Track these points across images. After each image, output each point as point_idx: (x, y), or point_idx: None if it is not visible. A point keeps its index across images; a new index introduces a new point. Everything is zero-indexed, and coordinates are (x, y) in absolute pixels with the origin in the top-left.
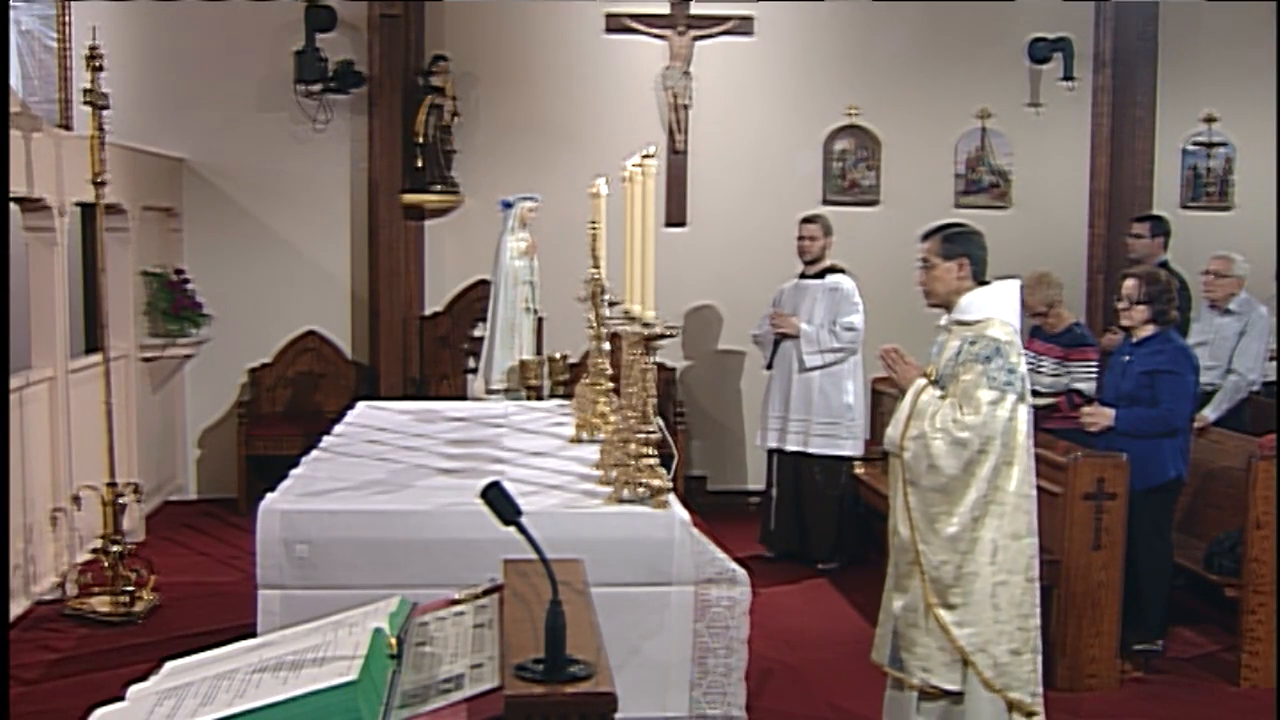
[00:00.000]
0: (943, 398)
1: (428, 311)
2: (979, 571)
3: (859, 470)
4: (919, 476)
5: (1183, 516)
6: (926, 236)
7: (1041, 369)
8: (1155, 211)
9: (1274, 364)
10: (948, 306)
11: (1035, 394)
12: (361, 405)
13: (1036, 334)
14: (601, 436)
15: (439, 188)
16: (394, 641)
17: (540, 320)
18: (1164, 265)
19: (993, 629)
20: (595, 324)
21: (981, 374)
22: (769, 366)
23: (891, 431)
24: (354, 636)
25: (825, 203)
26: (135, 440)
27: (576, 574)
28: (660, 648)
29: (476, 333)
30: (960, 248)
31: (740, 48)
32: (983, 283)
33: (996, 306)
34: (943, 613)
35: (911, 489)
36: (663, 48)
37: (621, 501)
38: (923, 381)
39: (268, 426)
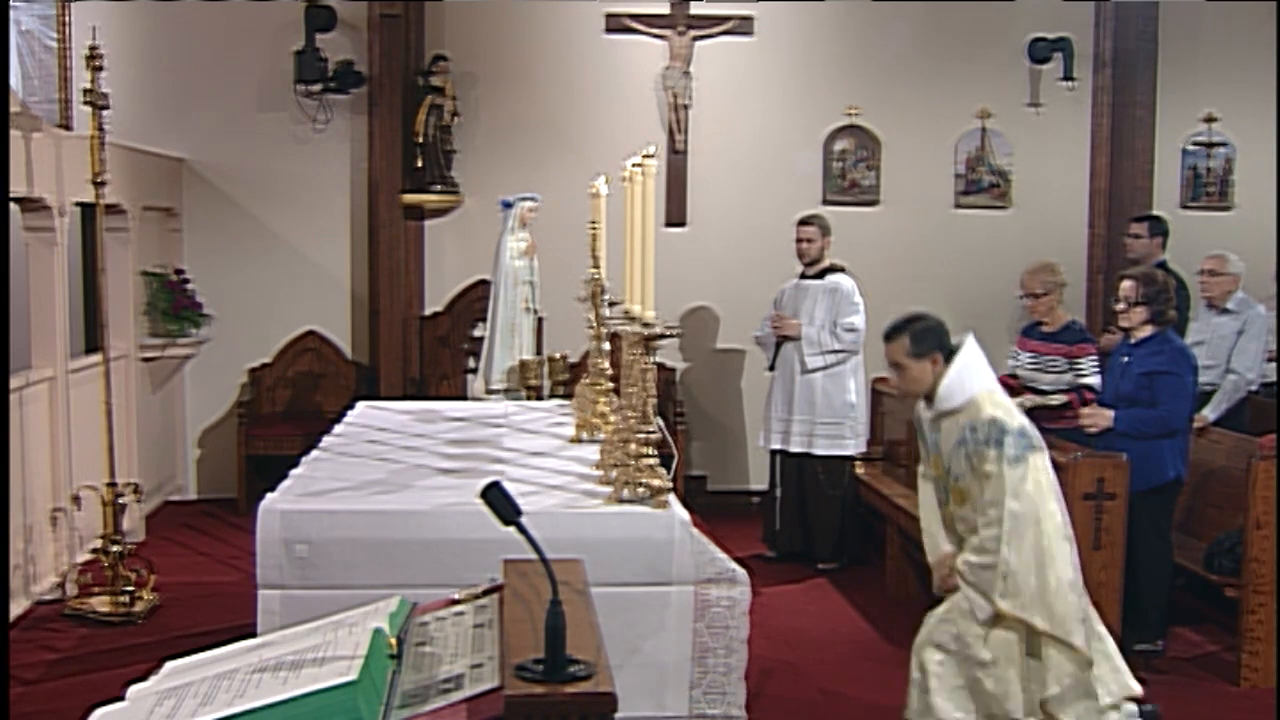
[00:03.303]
0: (957, 483)
1: (428, 311)
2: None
3: (860, 470)
4: (983, 581)
5: (1183, 516)
6: (889, 337)
7: (1045, 367)
8: (1155, 211)
9: (1273, 364)
10: (928, 397)
11: (1041, 392)
12: (361, 405)
13: (1032, 333)
14: (601, 436)
15: (439, 188)
16: (394, 641)
17: (540, 320)
18: (1162, 265)
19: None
20: (595, 324)
21: (999, 458)
22: (771, 368)
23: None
24: (354, 636)
25: (825, 203)
26: (135, 440)
27: (576, 574)
28: (660, 648)
29: (476, 333)
30: (929, 344)
31: (740, 48)
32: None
33: (973, 381)
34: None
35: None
36: (663, 48)
37: (621, 501)
38: (958, 560)
39: (268, 426)
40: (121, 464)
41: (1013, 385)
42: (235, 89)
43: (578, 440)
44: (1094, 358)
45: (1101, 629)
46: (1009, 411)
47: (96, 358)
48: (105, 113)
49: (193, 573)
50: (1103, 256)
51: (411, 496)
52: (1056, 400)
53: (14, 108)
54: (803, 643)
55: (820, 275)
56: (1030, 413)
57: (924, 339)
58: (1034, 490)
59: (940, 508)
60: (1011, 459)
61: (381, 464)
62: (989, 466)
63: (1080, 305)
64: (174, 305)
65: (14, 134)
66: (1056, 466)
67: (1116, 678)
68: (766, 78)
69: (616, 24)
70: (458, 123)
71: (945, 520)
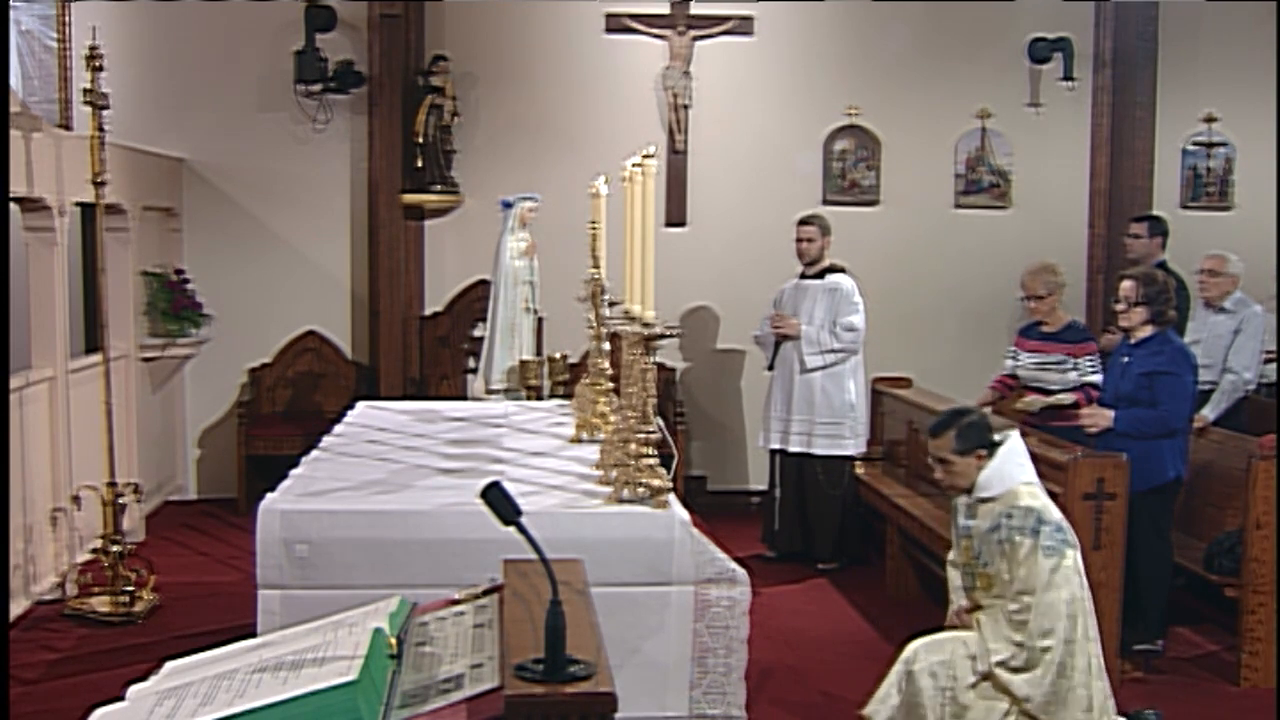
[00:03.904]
0: (985, 569)
1: (428, 311)
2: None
3: (860, 470)
4: (1023, 670)
5: (1183, 516)
6: (936, 433)
7: (1050, 367)
8: (1155, 211)
9: (1273, 364)
10: (969, 489)
11: (1049, 392)
12: (361, 405)
13: (1031, 333)
14: (601, 436)
15: (439, 188)
16: (394, 641)
17: (540, 320)
18: (1162, 265)
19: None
20: (595, 324)
21: (1034, 547)
22: (770, 368)
23: (980, 659)
24: (354, 636)
25: (825, 203)
26: (135, 440)
27: (576, 574)
28: (660, 648)
29: (476, 333)
30: (974, 440)
31: (740, 48)
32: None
33: (1013, 473)
34: None
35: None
36: (663, 48)
37: (621, 501)
38: (978, 618)
39: (268, 426)
40: (121, 464)
41: (1012, 385)
42: (235, 89)
43: (578, 440)
44: (1096, 356)
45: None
46: (1047, 505)
47: (96, 358)
48: (105, 113)
49: (193, 573)
50: (1103, 256)
51: (411, 496)
52: (1068, 399)
53: (14, 108)
54: (803, 643)
55: (820, 275)
56: (1039, 413)
57: (969, 435)
58: (1065, 584)
59: (965, 594)
60: (1047, 549)
61: (381, 464)
62: (1024, 555)
63: (1080, 305)
64: (174, 305)
65: (14, 134)
66: (1057, 466)
67: None
68: (766, 78)
69: (616, 24)
70: (458, 123)
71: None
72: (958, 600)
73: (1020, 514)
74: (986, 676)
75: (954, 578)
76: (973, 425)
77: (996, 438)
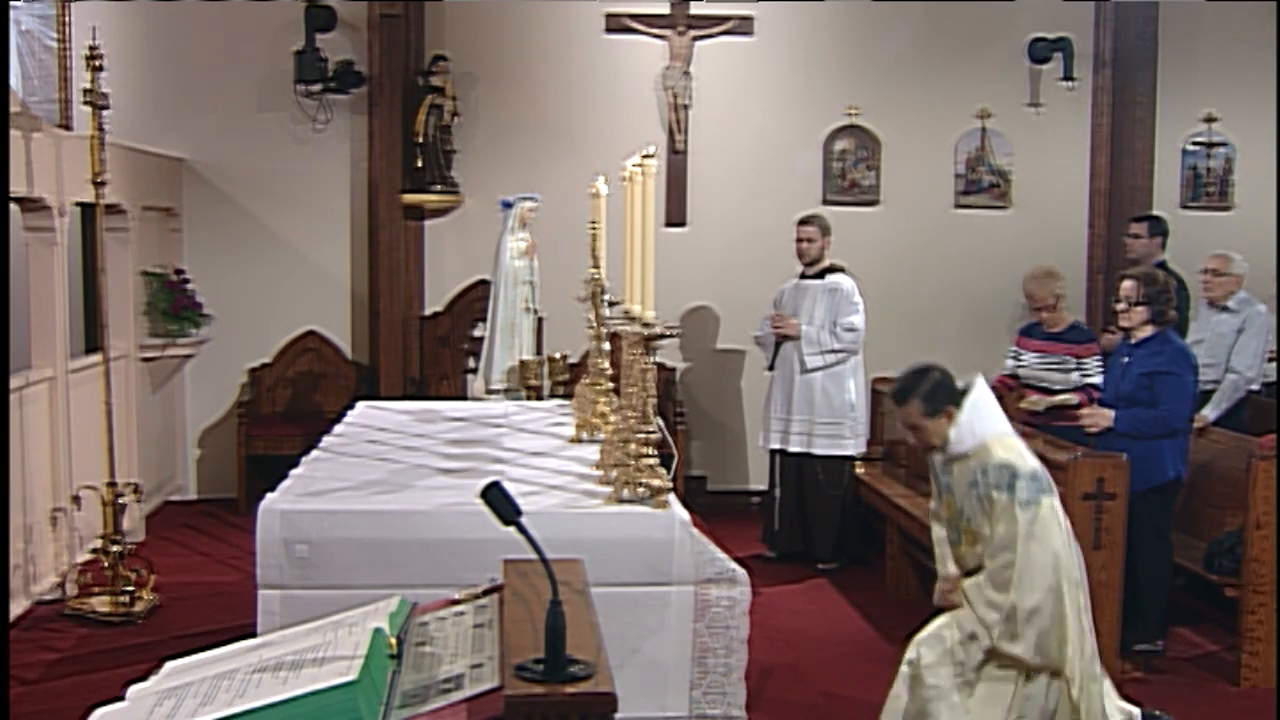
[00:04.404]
0: (969, 525)
1: (428, 311)
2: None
3: (860, 470)
4: (1008, 631)
5: (1183, 516)
6: (900, 401)
7: (1053, 367)
8: (1155, 211)
9: (1273, 364)
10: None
11: (1052, 392)
12: (361, 405)
13: (1034, 332)
14: (601, 436)
15: (439, 188)
16: (394, 641)
17: (540, 320)
18: (1162, 265)
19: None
20: (595, 324)
21: (1010, 502)
22: (771, 368)
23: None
24: (354, 636)
25: (825, 203)
26: (135, 440)
27: (576, 574)
28: (660, 648)
29: (476, 333)
30: (940, 400)
31: (740, 48)
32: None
33: (982, 424)
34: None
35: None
36: (663, 48)
37: (621, 501)
38: (963, 586)
39: (268, 426)
40: (121, 464)
41: (1012, 385)
42: (235, 89)
43: (578, 440)
44: (1099, 357)
45: (1099, 669)
46: (1020, 455)
47: (96, 358)
48: (105, 113)
49: (193, 573)
50: (1103, 256)
51: (411, 496)
52: (1072, 400)
53: (14, 108)
54: (803, 643)
55: (820, 275)
56: (1042, 413)
57: (936, 396)
58: (1044, 534)
59: (951, 548)
60: (1023, 503)
61: (381, 464)
62: (1001, 510)
63: (1080, 305)
64: (174, 305)
65: (14, 134)
66: (1056, 466)
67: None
68: (766, 78)
69: (616, 24)
70: (458, 123)
71: (956, 559)
72: (944, 568)
73: (994, 471)
74: (992, 653)
75: (938, 532)
76: (938, 385)
77: (960, 386)
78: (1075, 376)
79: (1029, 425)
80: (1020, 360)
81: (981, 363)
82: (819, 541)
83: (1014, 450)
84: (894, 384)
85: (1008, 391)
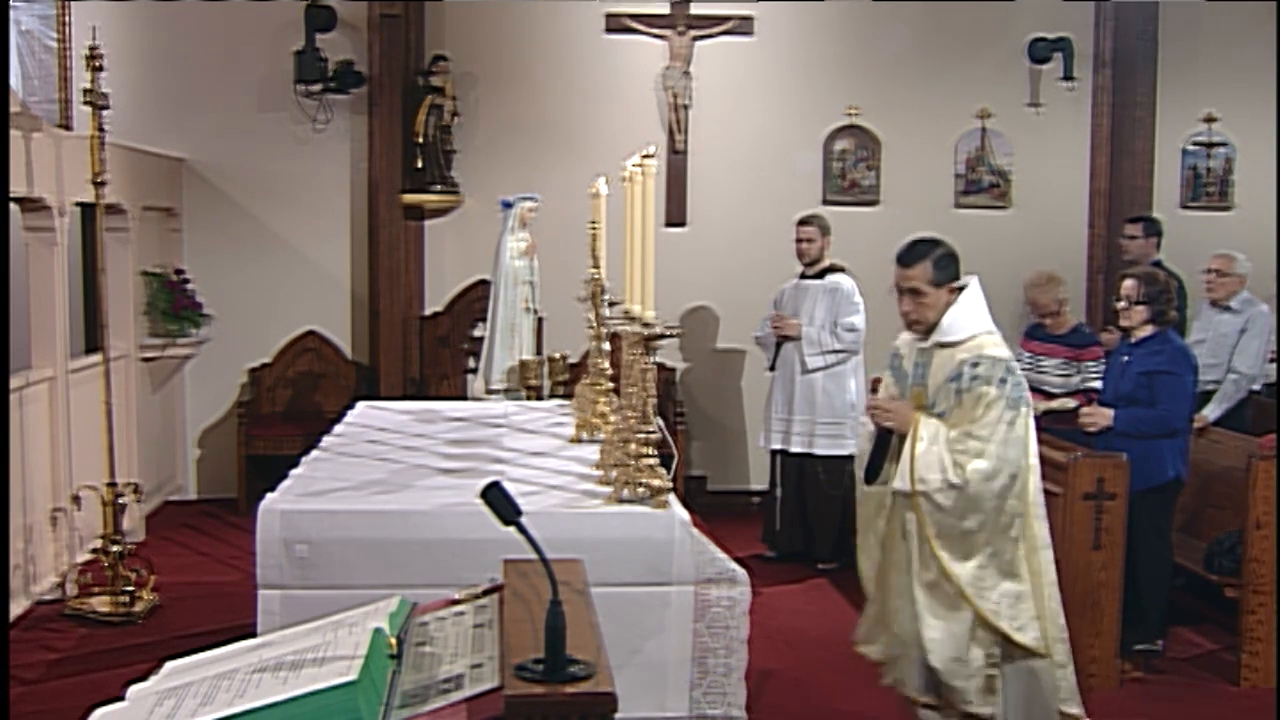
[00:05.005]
0: (940, 416)
1: (428, 311)
2: (1024, 587)
3: None
4: (951, 515)
5: (1183, 516)
6: (910, 262)
7: (1051, 370)
8: (1155, 211)
9: (1274, 365)
10: (928, 331)
11: (1050, 395)
12: (361, 405)
13: (1037, 334)
14: (601, 436)
15: (439, 188)
16: (394, 641)
17: (540, 320)
18: (1158, 265)
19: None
20: (595, 324)
21: (999, 397)
22: (771, 368)
23: (901, 476)
24: (354, 636)
25: (825, 203)
26: (135, 440)
27: (576, 574)
28: (660, 648)
29: (476, 333)
30: (952, 270)
31: (740, 48)
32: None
33: (977, 319)
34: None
35: (938, 527)
36: (663, 48)
37: (621, 501)
38: (924, 419)
39: (268, 426)
40: (121, 464)
41: None
42: (235, 89)
43: (578, 440)
44: (1101, 361)
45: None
46: (1012, 357)
47: (96, 358)
48: (105, 113)
49: (193, 573)
50: (1103, 256)
51: (411, 496)
52: (1071, 404)
53: (14, 108)
54: (803, 643)
55: (820, 275)
56: (1041, 417)
57: (946, 266)
58: (1022, 437)
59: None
60: (1011, 400)
61: (381, 464)
62: (988, 401)
63: (1080, 305)
64: (174, 305)
65: (14, 134)
66: (1057, 466)
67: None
68: (766, 78)
69: (616, 24)
70: (458, 123)
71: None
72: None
73: (989, 363)
74: (905, 495)
75: (863, 443)
76: (949, 256)
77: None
78: (1077, 380)
79: None
80: (1024, 362)
81: None
82: (819, 541)
83: (1006, 351)
84: (901, 248)
85: None
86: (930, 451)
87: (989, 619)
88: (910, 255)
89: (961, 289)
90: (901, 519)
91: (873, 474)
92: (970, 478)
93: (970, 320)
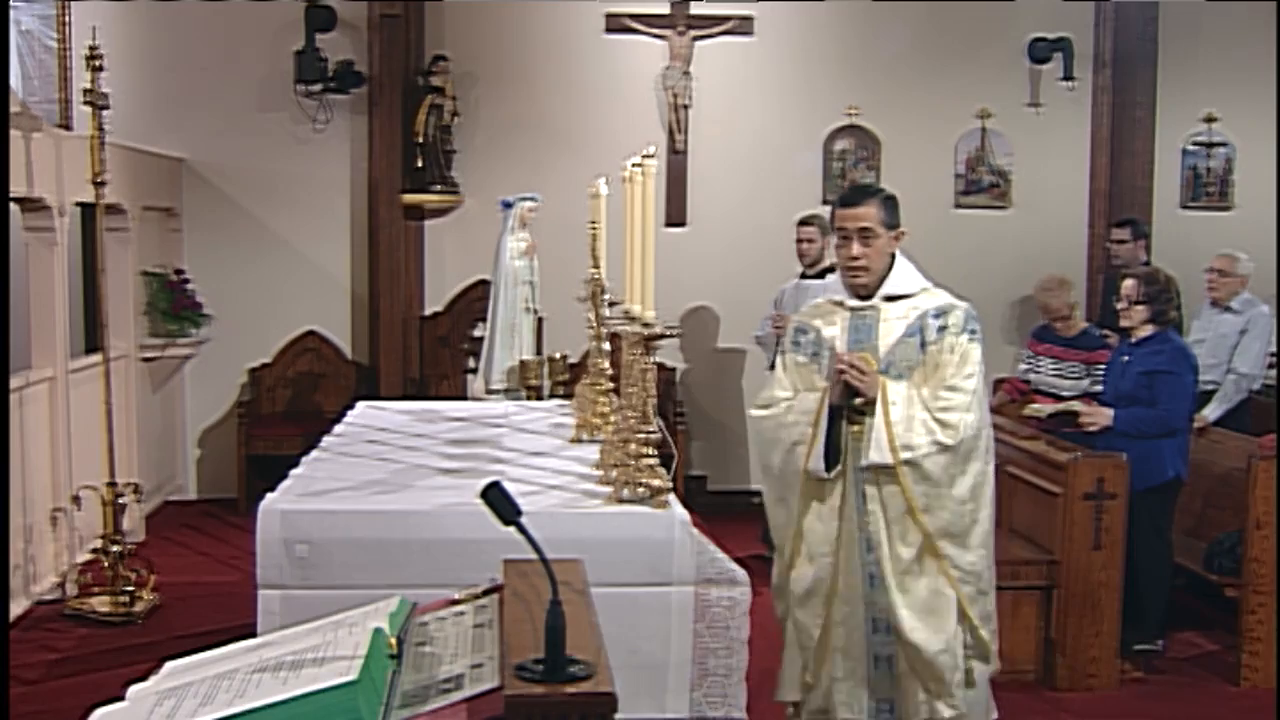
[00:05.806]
0: (898, 380)
1: (428, 311)
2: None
3: None
4: (941, 483)
5: (1183, 516)
6: (858, 201)
7: (1060, 373)
8: (1156, 212)
9: (1274, 368)
10: (873, 285)
11: (1058, 397)
12: (361, 405)
13: (1046, 336)
14: (601, 436)
15: (439, 188)
16: (394, 641)
17: (540, 320)
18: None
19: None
20: (595, 324)
21: (972, 345)
22: (771, 368)
23: (878, 448)
24: (354, 636)
25: (825, 203)
26: (135, 440)
27: (576, 574)
28: (660, 648)
29: (476, 333)
30: (897, 215)
31: (740, 48)
32: None
33: (914, 273)
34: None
35: (926, 499)
36: (663, 48)
37: (621, 501)
38: (890, 382)
39: (268, 426)
40: (121, 464)
41: (1024, 390)
42: (235, 89)
43: (578, 440)
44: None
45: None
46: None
47: (96, 358)
48: (105, 113)
49: (193, 573)
50: (1102, 256)
51: (411, 496)
52: (1075, 407)
53: (14, 108)
54: None
55: (821, 275)
56: (1045, 419)
57: (893, 210)
58: (981, 388)
59: (851, 416)
60: (979, 352)
61: (381, 464)
62: (962, 351)
63: (1080, 305)
64: (174, 305)
65: (14, 134)
66: (1057, 466)
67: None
68: (766, 78)
69: (616, 24)
70: (458, 123)
71: (855, 437)
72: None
73: (959, 313)
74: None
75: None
76: (893, 199)
77: None
78: (1085, 383)
79: (1034, 430)
80: (1031, 364)
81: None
82: None
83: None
84: (842, 193)
85: (1019, 397)
86: (908, 416)
87: (966, 609)
88: (858, 195)
89: (902, 235)
90: (857, 510)
91: (833, 459)
92: (963, 434)
93: (912, 273)
